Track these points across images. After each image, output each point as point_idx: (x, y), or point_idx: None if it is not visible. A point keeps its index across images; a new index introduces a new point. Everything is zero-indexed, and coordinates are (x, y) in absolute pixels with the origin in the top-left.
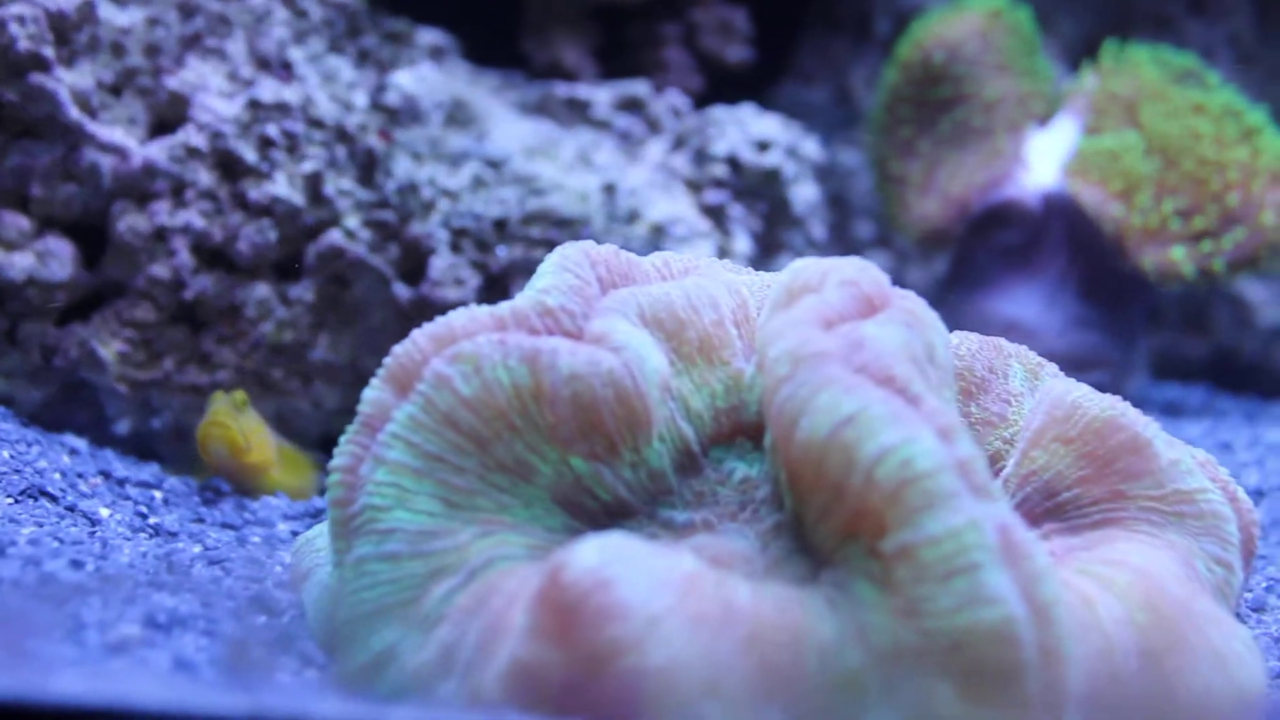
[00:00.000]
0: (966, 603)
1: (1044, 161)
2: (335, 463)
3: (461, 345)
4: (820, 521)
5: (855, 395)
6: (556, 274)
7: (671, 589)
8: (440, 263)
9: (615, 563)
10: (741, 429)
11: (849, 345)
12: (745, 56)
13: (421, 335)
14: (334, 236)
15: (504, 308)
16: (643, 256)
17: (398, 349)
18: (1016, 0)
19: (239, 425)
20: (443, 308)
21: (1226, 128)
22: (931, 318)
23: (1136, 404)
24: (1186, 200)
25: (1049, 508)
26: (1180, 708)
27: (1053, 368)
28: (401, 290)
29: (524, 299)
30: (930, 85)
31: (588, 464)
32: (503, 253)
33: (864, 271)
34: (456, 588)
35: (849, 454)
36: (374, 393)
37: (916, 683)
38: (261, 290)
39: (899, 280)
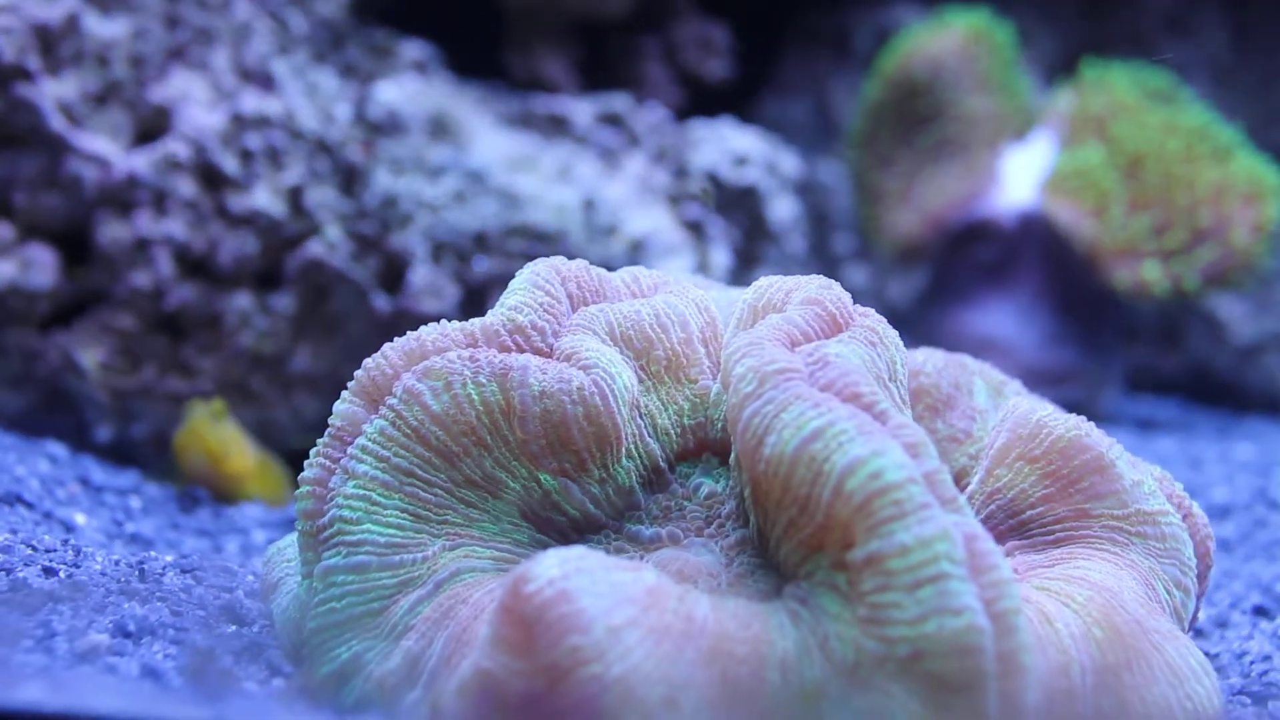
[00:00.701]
0: (932, 611)
1: (1020, 178)
2: (305, 475)
3: (432, 361)
4: (786, 536)
5: (822, 411)
6: (527, 291)
7: (633, 601)
8: (419, 275)
9: (577, 575)
10: (708, 445)
11: (814, 364)
12: (724, 72)
13: (392, 350)
14: (314, 248)
15: (475, 324)
16: (614, 271)
17: (369, 362)
18: (997, 18)
19: (216, 434)
20: (422, 319)
21: (1199, 146)
22: (892, 336)
23: (1110, 418)
24: (1159, 218)
25: (1012, 525)
26: None
27: (1016, 384)
28: (381, 301)
29: (495, 315)
30: (911, 99)
31: (556, 480)
32: (481, 265)
33: (827, 290)
34: (423, 599)
35: (817, 468)
36: (345, 405)
37: (876, 692)
38: (242, 300)
39: (879, 295)
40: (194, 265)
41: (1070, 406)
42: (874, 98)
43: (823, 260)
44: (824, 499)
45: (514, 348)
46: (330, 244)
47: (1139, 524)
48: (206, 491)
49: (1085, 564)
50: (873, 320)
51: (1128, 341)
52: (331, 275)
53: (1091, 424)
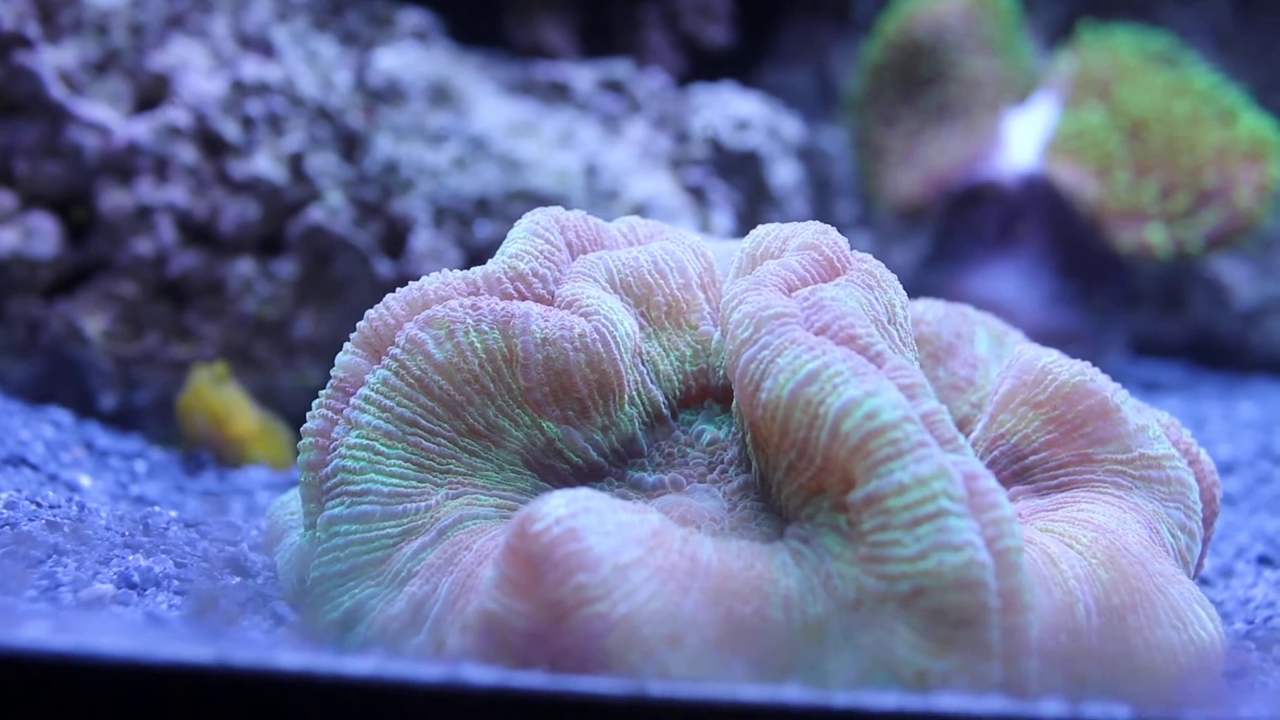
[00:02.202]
0: (932, 548)
1: (1022, 141)
2: (308, 426)
3: (435, 310)
4: (786, 479)
5: (817, 354)
6: (527, 239)
7: (639, 542)
8: (421, 239)
9: (583, 514)
10: (710, 392)
11: (810, 307)
12: (725, 38)
13: (395, 300)
14: (316, 214)
15: (476, 272)
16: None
17: (371, 313)
18: None
19: (219, 397)
20: None
21: (1203, 108)
22: (891, 279)
23: (1117, 379)
24: (1162, 180)
25: (1016, 470)
26: (1141, 662)
27: (1018, 335)
28: (383, 266)
29: (495, 263)
30: (913, 61)
31: (559, 427)
32: (483, 230)
33: (824, 235)
34: (427, 545)
35: (813, 410)
36: (347, 356)
37: (878, 628)
38: (244, 267)
39: (882, 259)
40: (196, 232)
41: None
42: (876, 58)
43: None
44: (821, 441)
45: (516, 295)
46: (332, 210)
47: (1143, 468)
48: (211, 455)
49: (1090, 507)
50: (870, 264)
51: (1131, 305)
52: (333, 241)
53: (1097, 370)
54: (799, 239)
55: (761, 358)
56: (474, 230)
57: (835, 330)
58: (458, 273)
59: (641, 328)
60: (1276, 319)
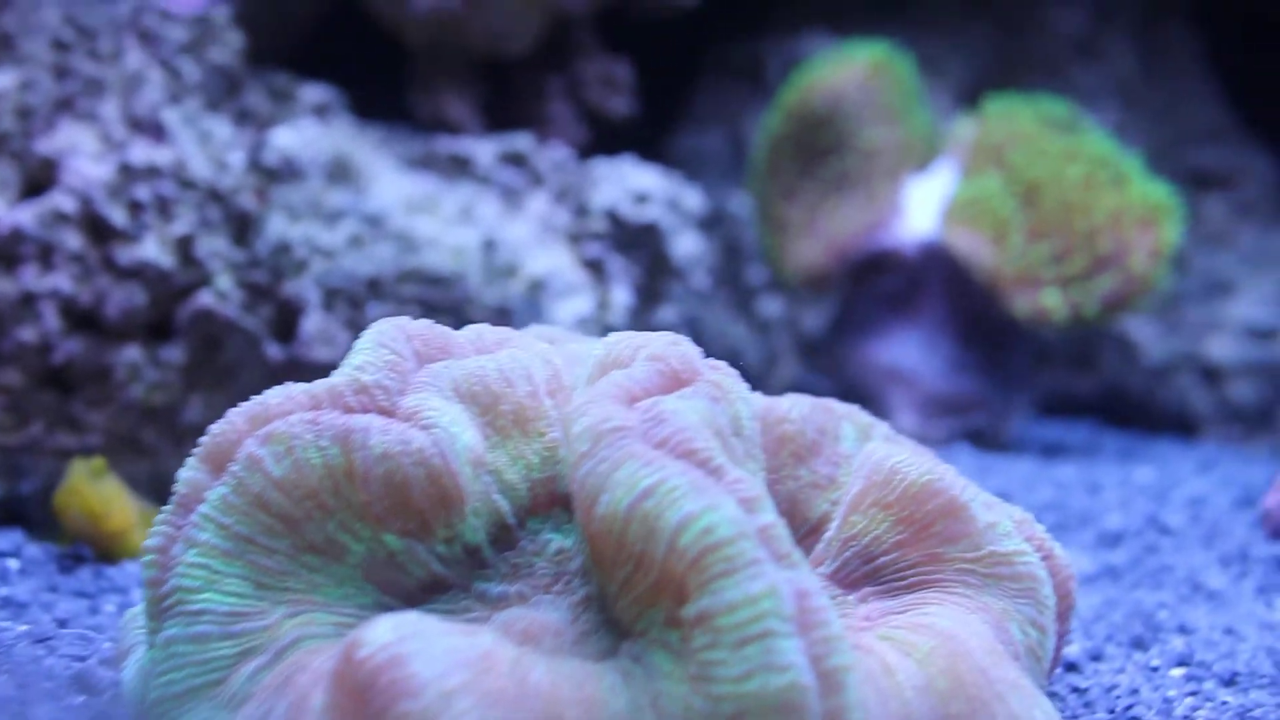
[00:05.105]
0: (756, 669)
1: (922, 208)
2: (148, 543)
3: (275, 425)
4: (622, 593)
5: (655, 468)
6: (372, 350)
7: (467, 665)
8: (312, 322)
9: (409, 639)
10: (558, 499)
11: (649, 420)
12: (629, 109)
13: (238, 414)
14: (205, 298)
15: (319, 385)
16: (465, 327)
17: (214, 427)
18: (899, 50)
19: (96, 492)
20: (315, 368)
21: (1098, 173)
22: (739, 391)
23: (1017, 445)
24: (1058, 245)
25: (868, 571)
26: None
27: (884, 427)
28: (274, 350)
29: (339, 376)
30: (813, 132)
31: (401, 541)
32: (374, 311)
33: (673, 347)
34: (263, 666)
35: (650, 525)
36: (189, 472)
37: None
38: (131, 353)
39: (794, 325)
40: (81, 318)
41: (975, 435)
42: (776, 130)
43: (737, 291)
44: (658, 556)
45: (358, 408)
46: (221, 293)
47: (993, 565)
48: (92, 550)
49: (935, 609)
50: (719, 375)
51: (1041, 365)
52: (223, 325)
53: (947, 467)
54: (649, 349)
55: (599, 471)
56: (366, 312)
57: (675, 444)
58: (301, 386)
59: (487, 437)
60: (1184, 375)
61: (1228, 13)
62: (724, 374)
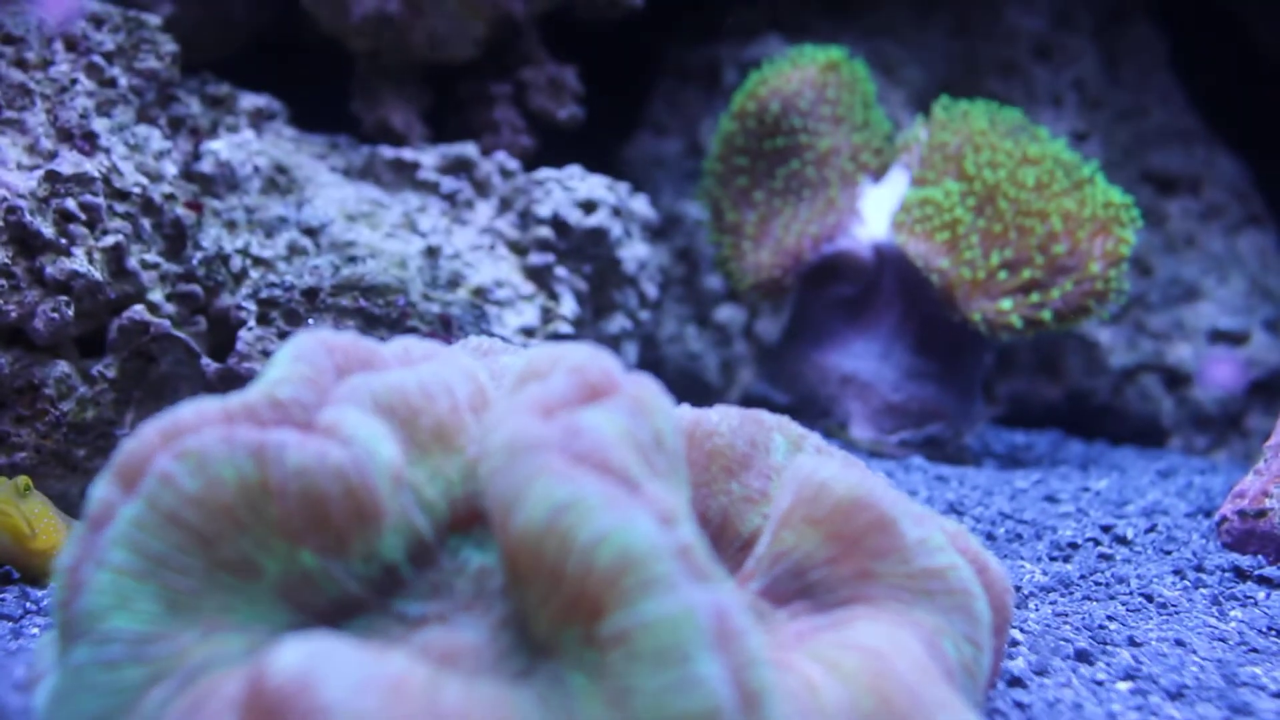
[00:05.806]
0: (673, 687)
1: (876, 213)
2: (60, 563)
3: (188, 441)
4: (539, 611)
5: (570, 483)
6: (290, 364)
7: (377, 690)
8: (248, 335)
9: (319, 665)
10: (479, 516)
11: (566, 433)
12: (576, 114)
13: (151, 430)
14: (138, 311)
15: (234, 400)
16: (393, 341)
17: (127, 444)
18: (853, 53)
19: (21, 511)
20: (251, 380)
21: (1054, 178)
22: (660, 404)
23: (978, 454)
24: (1014, 251)
25: (799, 588)
26: None
27: (815, 438)
28: (209, 364)
29: (255, 391)
30: (766, 136)
31: (317, 559)
32: (311, 324)
33: (593, 359)
34: (173, 693)
35: (565, 541)
36: (101, 490)
37: None
38: (61, 368)
39: (750, 332)
40: (9, 334)
41: (934, 444)
42: (728, 133)
43: (693, 299)
44: (573, 572)
45: (273, 423)
46: (154, 306)
47: (925, 580)
48: (19, 572)
49: (864, 626)
50: (640, 388)
51: (1006, 372)
52: (157, 338)
53: (878, 479)
54: (568, 361)
55: (514, 485)
56: (305, 323)
57: (592, 457)
58: (215, 401)
59: (407, 453)
60: (1147, 378)
61: (1190, 13)
62: (645, 387)
